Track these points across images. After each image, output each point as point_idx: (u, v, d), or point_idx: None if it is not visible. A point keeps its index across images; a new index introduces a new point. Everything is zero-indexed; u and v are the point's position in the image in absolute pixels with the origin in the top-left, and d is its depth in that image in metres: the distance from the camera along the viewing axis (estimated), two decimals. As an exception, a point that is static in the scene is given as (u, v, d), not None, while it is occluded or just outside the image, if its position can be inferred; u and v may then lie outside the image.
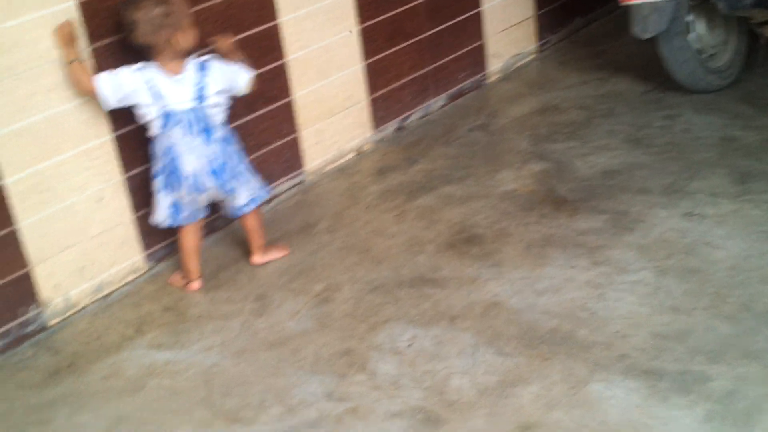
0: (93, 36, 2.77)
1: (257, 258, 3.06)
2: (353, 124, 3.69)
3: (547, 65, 4.37)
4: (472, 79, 4.17)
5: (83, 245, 2.85)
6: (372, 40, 3.68)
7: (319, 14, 3.45)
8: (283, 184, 3.46)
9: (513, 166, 3.51)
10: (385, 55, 3.76)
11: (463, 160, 3.61)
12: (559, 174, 3.41)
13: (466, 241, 3.06)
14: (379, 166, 3.61)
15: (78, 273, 2.85)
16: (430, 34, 3.93)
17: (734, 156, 3.38)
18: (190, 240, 2.94)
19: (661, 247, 2.91)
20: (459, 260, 2.97)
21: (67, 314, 2.84)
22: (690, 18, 3.76)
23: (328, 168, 3.61)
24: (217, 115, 2.86)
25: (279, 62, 3.34)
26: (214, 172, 2.84)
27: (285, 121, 3.44)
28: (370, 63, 3.70)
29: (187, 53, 2.80)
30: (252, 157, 3.29)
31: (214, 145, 2.84)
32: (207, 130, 2.82)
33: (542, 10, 4.44)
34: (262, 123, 3.35)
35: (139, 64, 2.77)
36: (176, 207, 2.89)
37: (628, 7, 3.72)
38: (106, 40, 2.80)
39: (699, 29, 3.81)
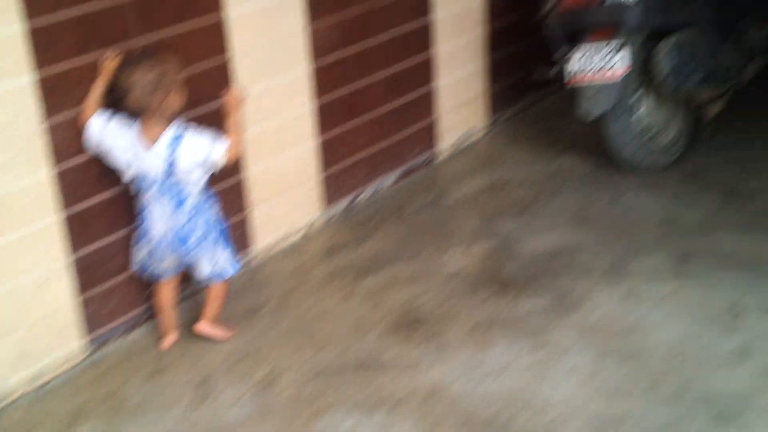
0: (51, 111, 2.76)
1: (202, 326, 3.06)
2: (305, 202, 3.72)
3: (498, 141, 4.43)
4: (424, 156, 4.23)
5: (24, 331, 2.83)
6: (327, 116, 3.72)
7: (276, 89, 3.49)
8: (232, 264, 3.48)
9: (461, 245, 3.55)
10: (340, 131, 3.81)
11: (412, 238, 3.64)
12: (506, 253, 3.45)
13: (411, 323, 3.08)
14: (328, 246, 3.63)
15: (16, 360, 2.82)
16: (385, 111, 3.99)
17: (675, 235, 3.44)
18: (160, 297, 3.04)
19: (602, 329, 2.94)
20: (404, 343, 2.98)
21: (2, 405, 2.80)
22: (635, 97, 3.85)
23: (278, 247, 3.63)
24: (191, 185, 2.88)
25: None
26: (179, 241, 2.91)
27: (236, 198, 3.45)
28: (325, 139, 3.74)
29: (175, 115, 2.85)
30: (200, 238, 3.32)
31: (184, 214, 2.88)
32: (178, 199, 2.87)
33: (493, 87, 4.52)
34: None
35: (127, 123, 2.82)
36: (143, 264, 3.01)
37: (574, 89, 3.80)
38: (63, 115, 2.80)
39: (644, 108, 3.90)
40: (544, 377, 2.74)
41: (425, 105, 4.19)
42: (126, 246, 3.05)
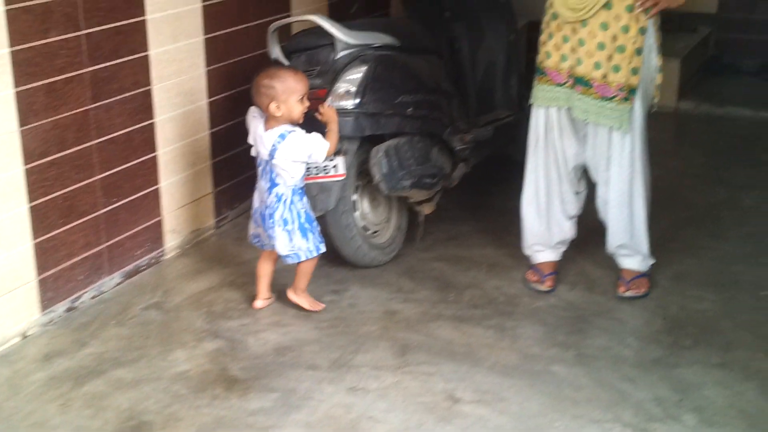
0: None
1: (290, 294, 3.71)
2: (18, 307, 3.53)
3: (225, 241, 4.45)
4: (149, 256, 4.16)
5: None
6: (43, 218, 3.59)
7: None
8: (-64, 376, 3.23)
9: (187, 346, 3.50)
10: (57, 233, 3.67)
11: (136, 340, 3.55)
12: (233, 352, 3.45)
13: (134, 429, 2.98)
14: (45, 351, 3.45)
15: None
16: (106, 212, 3.91)
17: (396, 329, 3.60)
18: (260, 264, 3.74)
19: (327, 423, 3.00)
20: (126, 450, 2.88)
21: None
22: (355, 197, 4.02)
23: (-11, 355, 3.41)
24: (283, 176, 3.52)
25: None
26: (262, 215, 3.59)
27: (-59, 306, 3.23)
28: (40, 242, 3.59)
29: (288, 121, 3.50)
30: None
31: (271, 196, 3.54)
32: (271, 182, 3.54)
33: (220, 187, 4.56)
34: None
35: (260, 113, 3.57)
36: (250, 231, 3.75)
37: (299, 187, 3.92)
38: None
39: (363, 208, 4.09)
40: (272, 476, 2.74)
41: (150, 205, 4.14)
42: None
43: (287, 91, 3.44)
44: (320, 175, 3.82)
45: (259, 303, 3.74)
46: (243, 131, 4.58)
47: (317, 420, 3.02)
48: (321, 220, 3.96)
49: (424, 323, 3.64)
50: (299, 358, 3.39)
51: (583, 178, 3.91)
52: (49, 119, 3.56)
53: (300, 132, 3.51)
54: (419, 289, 3.93)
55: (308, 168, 3.83)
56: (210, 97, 4.43)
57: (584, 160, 3.80)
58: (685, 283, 3.98)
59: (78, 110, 3.70)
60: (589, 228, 4.02)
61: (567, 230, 3.91)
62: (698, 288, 3.94)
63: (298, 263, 3.63)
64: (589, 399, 3.15)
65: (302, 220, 3.57)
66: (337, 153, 3.79)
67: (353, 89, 3.80)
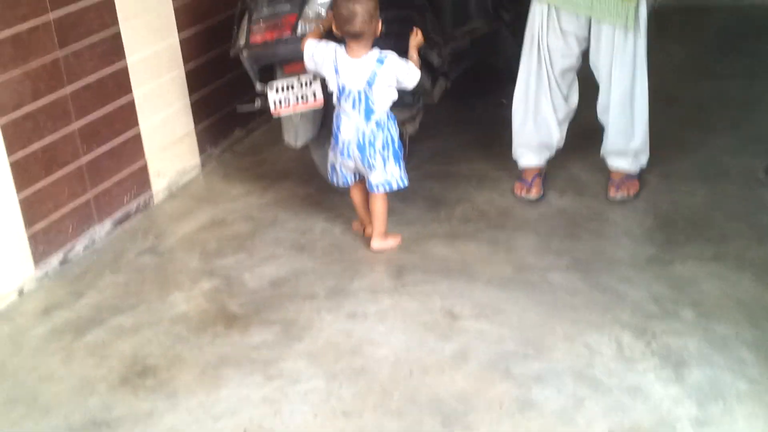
0: None
1: (374, 243, 3.59)
2: (11, 264, 3.52)
3: (212, 178, 4.42)
4: (137, 201, 4.13)
5: None
6: (24, 172, 3.55)
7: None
8: (-63, 340, 3.23)
9: (184, 287, 3.50)
10: (41, 187, 3.64)
11: (132, 286, 3.55)
12: (230, 289, 3.45)
13: (139, 374, 3.00)
14: (43, 305, 3.45)
15: None
16: (89, 160, 3.87)
17: (390, 251, 3.60)
18: (355, 196, 3.66)
19: (330, 351, 3.02)
20: (133, 395, 2.90)
21: None
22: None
23: (-12, 314, 3.41)
24: (381, 101, 3.42)
25: None
26: (361, 146, 3.45)
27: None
28: (25, 196, 3.56)
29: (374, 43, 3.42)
30: None
31: (370, 124, 3.43)
32: (368, 111, 3.42)
33: (200, 125, 4.50)
34: None
35: (335, 44, 3.43)
36: (333, 168, 3.60)
37: (280, 118, 3.88)
38: None
39: (346, 132, 4.04)
40: (279, 408, 2.77)
41: (132, 149, 4.10)
42: None
43: (377, 7, 3.38)
44: (300, 103, 3.76)
45: (369, 229, 3.66)
46: (219, 64, 4.55)
47: (319, 349, 3.04)
48: (305, 148, 3.94)
49: (418, 243, 3.64)
50: (296, 288, 3.40)
51: (574, 86, 3.86)
52: (18, 71, 3.49)
53: (394, 55, 3.42)
54: (410, 209, 3.92)
55: (287, 97, 3.77)
56: (180, 31, 4.34)
57: (573, 64, 3.76)
58: (674, 179, 3.98)
59: (47, 58, 3.62)
60: (577, 134, 3.99)
61: (554, 134, 3.88)
62: (688, 183, 3.93)
63: (373, 203, 3.57)
64: (587, 303, 3.17)
65: (396, 146, 3.51)
66: (312, 80, 3.73)
67: (323, 12, 3.72)
